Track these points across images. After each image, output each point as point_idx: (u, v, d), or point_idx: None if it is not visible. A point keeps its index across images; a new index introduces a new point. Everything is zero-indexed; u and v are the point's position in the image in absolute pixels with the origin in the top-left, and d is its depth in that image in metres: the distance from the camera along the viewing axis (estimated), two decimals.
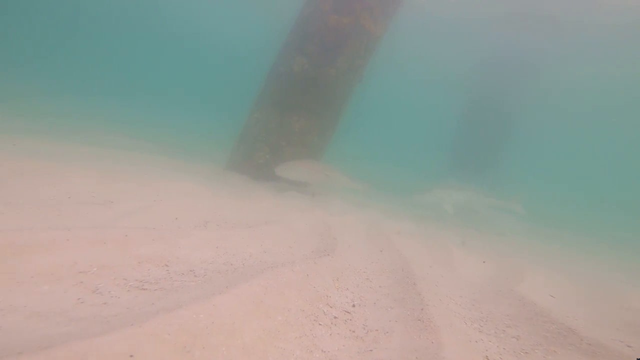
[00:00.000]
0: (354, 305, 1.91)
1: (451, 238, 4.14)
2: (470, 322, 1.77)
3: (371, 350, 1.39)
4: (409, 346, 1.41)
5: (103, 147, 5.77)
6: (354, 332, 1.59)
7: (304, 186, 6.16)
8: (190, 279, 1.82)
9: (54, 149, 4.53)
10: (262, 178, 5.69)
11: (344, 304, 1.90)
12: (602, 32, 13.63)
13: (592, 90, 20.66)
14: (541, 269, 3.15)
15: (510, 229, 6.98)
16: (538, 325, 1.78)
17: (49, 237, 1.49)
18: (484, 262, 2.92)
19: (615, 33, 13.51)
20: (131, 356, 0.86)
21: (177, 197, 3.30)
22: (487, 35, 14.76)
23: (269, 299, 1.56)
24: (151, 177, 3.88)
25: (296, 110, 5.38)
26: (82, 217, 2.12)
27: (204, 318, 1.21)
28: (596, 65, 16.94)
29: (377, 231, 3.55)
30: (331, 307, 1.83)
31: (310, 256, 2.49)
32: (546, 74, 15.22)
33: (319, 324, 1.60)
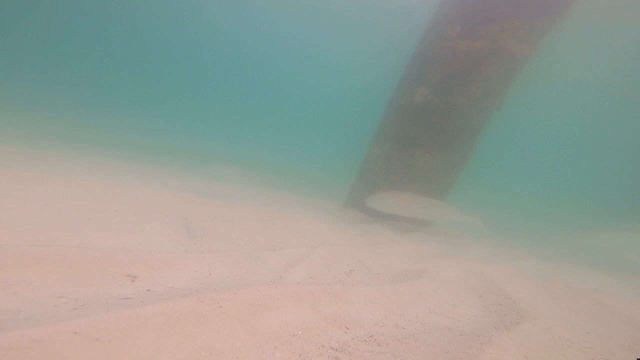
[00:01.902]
0: None
1: None
2: None
3: None
4: None
5: (244, 184, 6.75)
6: None
7: (427, 225, 5.69)
8: (375, 349, 1.72)
9: (212, 188, 5.48)
10: (383, 216, 5.54)
11: None
12: None
13: None
14: None
15: None
16: None
17: (269, 296, 1.64)
18: None
19: None
20: None
21: (323, 243, 3.43)
22: None
23: None
24: (291, 217, 4.22)
25: (419, 144, 5.12)
26: (266, 265, 2.35)
27: None
28: None
29: (565, 287, 2.81)
30: None
31: (494, 322, 2.09)
32: None
33: None
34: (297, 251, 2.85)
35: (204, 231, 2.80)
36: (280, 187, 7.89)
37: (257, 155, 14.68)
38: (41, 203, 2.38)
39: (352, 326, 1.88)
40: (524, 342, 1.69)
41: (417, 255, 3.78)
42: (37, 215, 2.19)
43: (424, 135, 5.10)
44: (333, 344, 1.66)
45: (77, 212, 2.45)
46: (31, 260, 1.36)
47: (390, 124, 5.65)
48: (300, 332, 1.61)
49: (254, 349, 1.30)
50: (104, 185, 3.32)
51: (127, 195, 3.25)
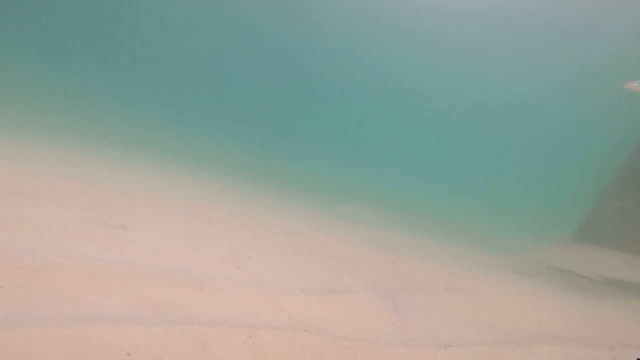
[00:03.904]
0: None
1: None
2: None
3: None
4: None
5: (399, 231, 6.21)
6: None
7: None
8: None
9: (372, 237, 5.12)
10: (617, 286, 3.74)
11: None
12: None
13: None
14: None
15: None
16: None
17: None
18: None
19: None
20: None
21: (578, 333, 2.38)
22: None
23: None
24: (493, 284, 3.31)
25: None
26: None
27: None
28: None
29: None
30: None
31: None
32: None
33: None
34: (557, 351, 1.97)
35: (406, 303, 2.37)
36: (437, 235, 6.94)
37: (392, 192, 13.66)
38: (285, 259, 2.59)
39: None
40: None
41: None
42: (281, 276, 2.36)
43: None
44: None
45: (297, 271, 2.53)
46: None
47: None
48: None
49: None
50: (295, 232, 3.56)
51: (317, 245, 3.32)
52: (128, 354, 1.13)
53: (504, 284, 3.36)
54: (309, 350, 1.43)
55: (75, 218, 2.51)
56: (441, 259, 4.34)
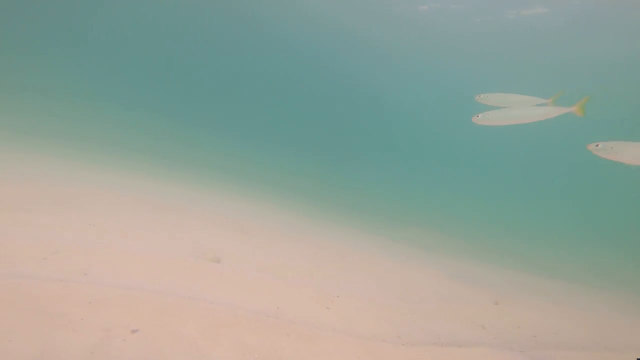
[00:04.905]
0: None
1: None
2: None
3: None
4: None
5: (498, 267, 5.52)
6: None
7: None
8: None
9: (453, 269, 4.62)
10: None
11: None
12: None
13: None
14: None
15: None
16: None
17: None
18: None
19: None
20: None
21: None
22: None
23: None
24: None
25: None
26: None
27: None
28: None
29: None
30: None
31: None
32: None
33: None
34: None
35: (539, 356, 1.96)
36: (522, 265, 5.99)
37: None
38: (372, 297, 2.43)
39: None
40: None
41: None
42: (373, 320, 2.20)
43: None
44: None
45: (389, 314, 2.34)
46: None
47: None
48: None
49: None
50: (374, 265, 3.34)
51: (400, 280, 3.06)
52: None
53: None
54: None
55: (176, 251, 2.74)
56: (552, 298, 3.64)
